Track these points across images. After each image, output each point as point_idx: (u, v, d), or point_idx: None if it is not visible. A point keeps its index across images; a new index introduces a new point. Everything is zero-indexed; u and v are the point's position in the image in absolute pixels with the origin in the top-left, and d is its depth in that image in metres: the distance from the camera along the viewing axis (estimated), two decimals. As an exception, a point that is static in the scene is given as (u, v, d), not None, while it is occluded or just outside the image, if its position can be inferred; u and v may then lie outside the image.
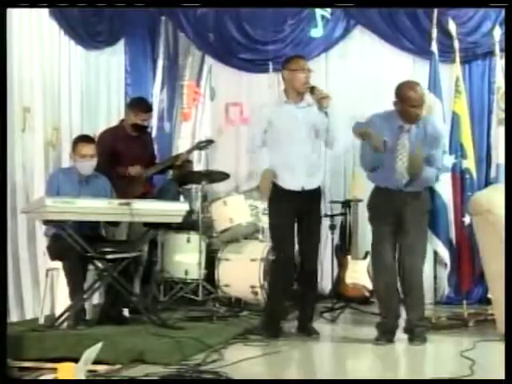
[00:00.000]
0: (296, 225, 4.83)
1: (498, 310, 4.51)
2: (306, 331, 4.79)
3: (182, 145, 7.19)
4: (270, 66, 6.79)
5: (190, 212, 5.79)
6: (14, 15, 5.23)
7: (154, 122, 7.03)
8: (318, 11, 6.73)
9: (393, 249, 4.59)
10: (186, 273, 6.03)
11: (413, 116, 4.50)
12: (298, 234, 4.87)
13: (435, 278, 5.87)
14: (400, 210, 4.54)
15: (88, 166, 5.01)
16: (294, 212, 4.76)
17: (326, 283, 6.60)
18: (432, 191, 5.39)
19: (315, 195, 4.88)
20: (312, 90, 4.73)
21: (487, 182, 6.01)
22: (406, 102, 4.49)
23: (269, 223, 4.99)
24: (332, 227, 6.47)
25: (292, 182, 4.76)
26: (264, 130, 4.80)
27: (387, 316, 4.61)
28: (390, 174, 4.53)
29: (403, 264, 4.57)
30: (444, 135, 4.87)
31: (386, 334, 4.56)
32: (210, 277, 5.99)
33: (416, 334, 4.52)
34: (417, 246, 4.60)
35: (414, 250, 4.58)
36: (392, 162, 4.52)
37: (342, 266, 6.27)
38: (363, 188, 6.21)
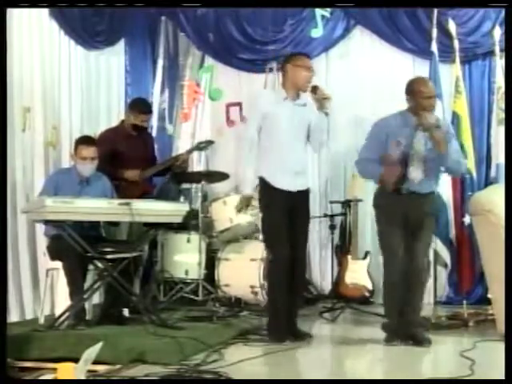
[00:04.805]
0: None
1: (498, 310, 4.50)
2: (294, 334, 4.65)
3: (182, 145, 7.19)
4: (273, 66, 6.78)
5: (190, 212, 5.79)
6: (14, 15, 5.24)
7: (154, 122, 7.05)
8: (318, 11, 6.73)
9: (403, 249, 4.50)
10: (186, 273, 6.04)
11: (427, 108, 4.46)
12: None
13: (435, 278, 5.87)
14: (412, 212, 4.48)
15: (88, 168, 5.01)
16: (286, 211, 4.65)
17: (326, 283, 6.61)
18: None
19: (305, 196, 4.79)
20: (314, 89, 4.65)
21: (487, 182, 6.01)
22: (419, 94, 4.47)
23: (262, 223, 4.85)
24: (332, 227, 6.47)
25: (284, 181, 4.66)
26: (258, 126, 4.68)
27: (393, 316, 4.57)
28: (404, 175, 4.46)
29: (413, 265, 4.49)
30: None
31: (395, 334, 4.52)
32: (210, 277, 6.00)
33: (420, 337, 4.47)
34: (425, 248, 4.57)
35: (423, 252, 4.53)
36: (405, 162, 4.46)
37: (342, 265, 6.27)
38: (363, 188, 6.23)
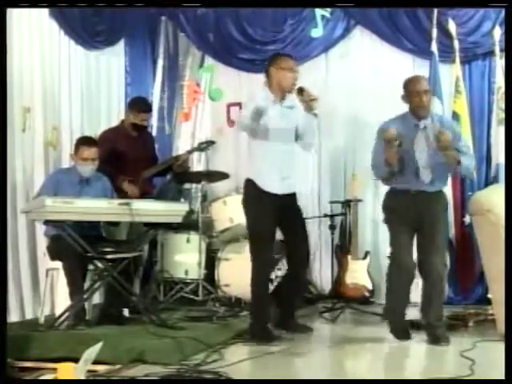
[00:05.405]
0: (280, 227, 4.76)
1: (498, 310, 4.50)
2: (292, 329, 4.72)
3: (181, 145, 7.18)
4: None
5: (190, 212, 5.79)
6: (14, 15, 5.24)
7: (153, 122, 7.05)
8: (318, 11, 6.72)
9: (411, 251, 4.50)
10: (186, 273, 6.04)
11: (421, 105, 4.48)
12: (284, 235, 4.85)
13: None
14: (422, 212, 4.49)
15: (89, 169, 5.02)
16: (273, 214, 4.63)
17: (326, 283, 6.61)
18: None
19: (292, 199, 4.78)
20: (301, 91, 4.61)
21: (487, 182, 6.01)
22: (409, 92, 4.51)
23: (246, 223, 4.82)
24: (332, 227, 6.46)
25: (271, 185, 4.64)
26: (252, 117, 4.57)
27: (396, 316, 4.59)
28: (411, 176, 4.48)
29: (427, 265, 4.47)
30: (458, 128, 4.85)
31: (400, 333, 4.55)
32: (210, 277, 6.00)
33: (438, 335, 4.47)
34: (440, 247, 4.52)
35: (437, 251, 4.49)
36: (411, 162, 4.47)
37: (342, 265, 6.27)
38: (363, 188, 6.24)
